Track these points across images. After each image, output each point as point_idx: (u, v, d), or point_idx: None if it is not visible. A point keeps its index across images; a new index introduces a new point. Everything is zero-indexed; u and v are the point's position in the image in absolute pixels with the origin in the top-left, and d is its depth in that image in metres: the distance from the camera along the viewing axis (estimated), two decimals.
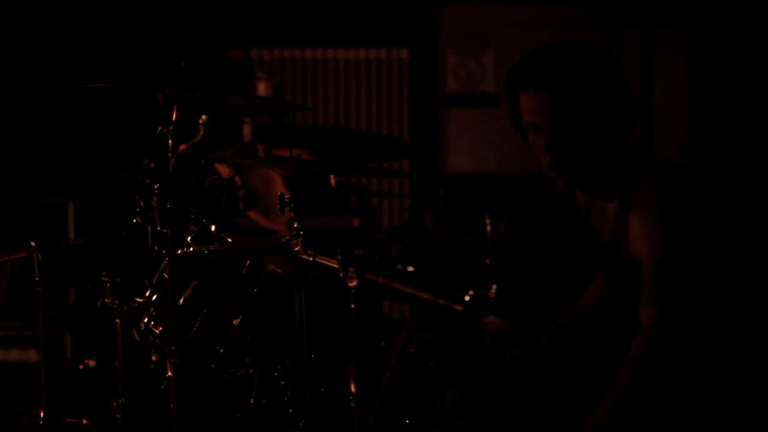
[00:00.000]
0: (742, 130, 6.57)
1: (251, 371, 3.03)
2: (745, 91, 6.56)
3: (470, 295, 4.48)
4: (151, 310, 3.01)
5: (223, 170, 3.35)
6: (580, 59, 2.59)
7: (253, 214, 3.47)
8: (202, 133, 3.30)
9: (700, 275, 2.51)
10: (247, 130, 5.29)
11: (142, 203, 3.08)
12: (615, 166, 2.62)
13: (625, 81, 2.61)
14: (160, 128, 2.87)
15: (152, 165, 3.14)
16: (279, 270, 3.09)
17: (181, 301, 2.99)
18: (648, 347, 2.43)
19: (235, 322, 3.00)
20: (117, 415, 3.03)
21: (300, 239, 2.71)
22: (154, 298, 3.01)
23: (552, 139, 2.57)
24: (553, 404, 2.73)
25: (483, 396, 2.77)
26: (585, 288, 2.98)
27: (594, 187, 2.67)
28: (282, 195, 2.77)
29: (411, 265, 4.55)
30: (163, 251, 3.00)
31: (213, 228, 3.06)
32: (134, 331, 3.04)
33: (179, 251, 2.99)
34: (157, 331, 3.00)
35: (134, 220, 3.12)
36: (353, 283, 2.37)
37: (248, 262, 3.03)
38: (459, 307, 2.33)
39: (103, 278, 3.03)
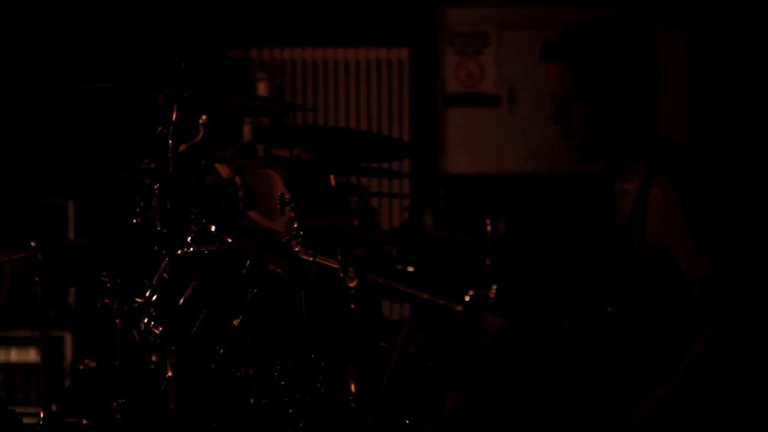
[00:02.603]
0: (743, 130, 6.57)
1: (251, 371, 3.04)
2: (746, 91, 6.56)
3: (470, 295, 4.47)
4: (151, 310, 3.01)
5: (223, 170, 3.35)
6: (600, 36, 2.62)
7: (253, 214, 3.46)
8: (202, 133, 3.30)
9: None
10: (247, 130, 5.29)
11: (142, 203, 3.08)
12: (638, 146, 2.63)
13: (649, 64, 2.62)
14: (160, 128, 2.87)
15: (152, 165, 3.14)
16: (279, 270, 3.09)
17: (181, 301, 2.99)
18: (715, 326, 2.40)
19: (235, 322, 3.00)
20: (117, 415, 3.03)
21: (300, 239, 2.71)
22: (154, 298, 3.01)
23: (560, 110, 2.64)
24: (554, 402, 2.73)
25: (483, 396, 2.77)
26: (585, 287, 2.97)
27: (615, 166, 2.69)
28: (282, 195, 2.77)
29: (411, 265, 4.55)
30: (163, 251, 3.00)
31: (213, 228, 3.06)
32: (134, 331, 3.04)
33: (179, 251, 2.99)
34: (157, 331, 3.00)
35: (134, 220, 3.12)
36: (353, 283, 2.37)
37: (248, 262, 3.03)
38: (459, 307, 2.33)
39: (103, 278, 3.03)
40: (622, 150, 2.65)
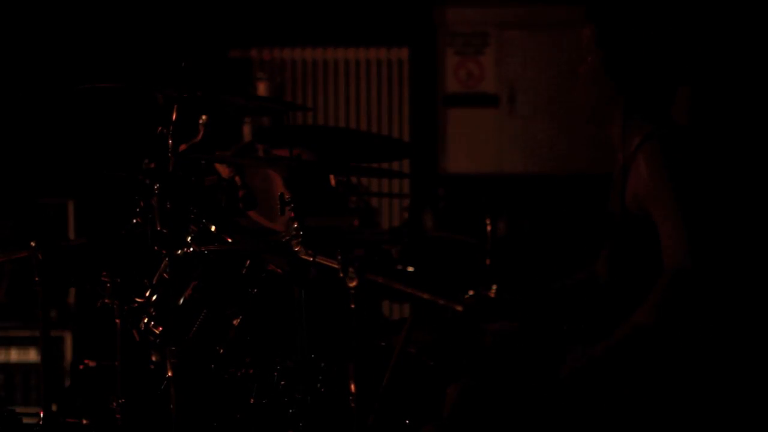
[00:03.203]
0: (744, 130, 6.56)
1: (251, 371, 3.04)
2: (747, 92, 6.56)
3: (470, 295, 4.47)
4: (151, 310, 3.01)
5: (223, 170, 3.35)
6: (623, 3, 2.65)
7: (253, 214, 3.46)
8: (202, 133, 3.30)
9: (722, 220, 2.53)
10: (247, 130, 5.29)
11: (142, 203, 3.08)
12: (640, 119, 2.65)
13: (667, 42, 2.65)
14: (160, 128, 2.87)
15: (152, 165, 3.14)
16: (279, 270, 3.09)
17: (181, 301, 2.99)
18: (670, 288, 2.44)
19: (235, 322, 3.00)
20: (117, 415, 3.03)
21: (300, 239, 2.71)
22: (154, 298, 3.01)
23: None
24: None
25: (483, 395, 2.78)
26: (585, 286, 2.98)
27: (614, 135, 2.72)
28: (282, 195, 2.76)
29: (411, 265, 4.55)
30: (163, 251, 3.00)
31: (213, 228, 3.06)
32: (134, 331, 3.04)
33: (179, 251, 2.99)
34: (157, 331, 3.00)
35: (134, 220, 3.12)
36: (353, 283, 2.37)
37: (248, 262, 3.03)
38: (459, 307, 2.33)
39: (103, 278, 3.03)
40: (615, 123, 2.68)
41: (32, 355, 5.16)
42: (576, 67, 2.75)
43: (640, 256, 2.62)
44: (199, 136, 3.25)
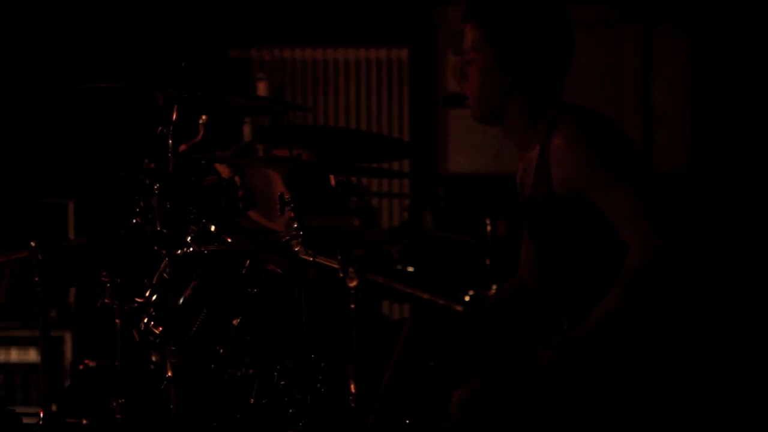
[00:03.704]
0: (744, 130, 6.56)
1: (251, 371, 3.03)
2: (747, 92, 6.55)
3: (470, 295, 4.48)
4: (151, 310, 3.01)
5: (223, 170, 3.35)
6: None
7: (253, 214, 3.46)
8: (202, 133, 3.30)
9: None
10: (247, 130, 5.29)
11: (142, 203, 3.08)
12: (534, 114, 2.66)
13: (550, 34, 2.66)
14: (160, 128, 2.87)
15: (152, 165, 3.14)
16: (279, 270, 3.09)
17: (181, 301, 2.99)
18: (646, 269, 2.43)
19: (235, 322, 3.00)
20: (117, 415, 3.03)
21: (300, 239, 2.71)
22: (154, 298, 3.01)
23: (461, 68, 2.71)
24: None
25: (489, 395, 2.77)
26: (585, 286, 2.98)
27: (516, 133, 2.73)
28: (282, 195, 2.76)
29: (411, 265, 4.55)
30: (163, 251, 3.00)
31: (213, 228, 3.06)
32: (134, 331, 3.04)
33: (179, 251, 2.99)
34: (157, 331, 3.00)
35: (134, 220, 3.12)
36: (353, 283, 2.37)
37: (248, 262, 3.03)
38: (459, 307, 2.33)
39: (103, 278, 3.02)
40: (513, 115, 2.67)
41: (32, 355, 5.17)
42: (462, 70, 2.73)
43: (579, 240, 2.60)
44: (199, 136, 3.25)
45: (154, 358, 3.36)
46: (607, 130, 2.59)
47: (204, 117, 3.27)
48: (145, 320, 3.01)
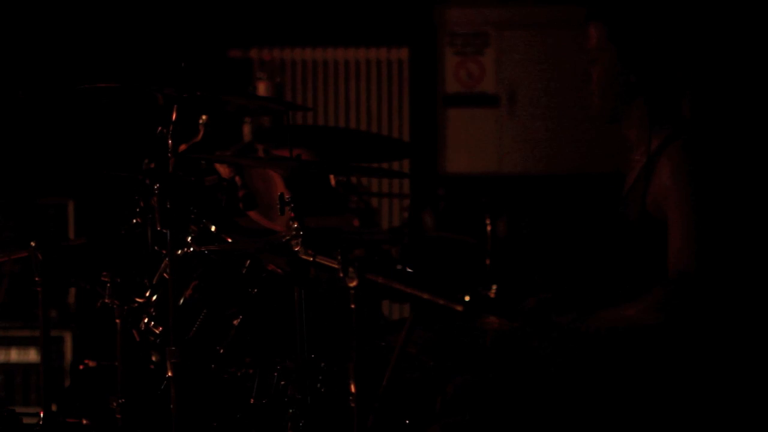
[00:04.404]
0: (744, 130, 6.56)
1: (251, 371, 3.03)
2: (747, 92, 6.56)
3: (470, 295, 4.47)
4: (151, 310, 3.01)
5: (223, 170, 3.35)
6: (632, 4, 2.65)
7: (253, 214, 3.46)
8: (202, 133, 3.30)
9: (731, 232, 2.55)
10: (247, 130, 5.29)
11: (142, 203, 3.08)
12: (653, 119, 2.66)
13: (675, 42, 2.65)
14: (160, 128, 2.86)
15: (152, 165, 3.14)
16: (279, 270, 3.09)
17: (181, 301, 2.99)
18: (674, 290, 2.45)
19: (235, 322, 2.99)
20: (117, 415, 3.03)
21: (300, 239, 2.71)
22: (154, 298, 3.01)
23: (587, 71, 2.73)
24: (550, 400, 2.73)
25: (481, 391, 2.78)
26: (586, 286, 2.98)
27: (631, 134, 2.72)
28: (282, 195, 2.76)
29: (411, 265, 4.54)
30: (163, 251, 3.00)
31: (213, 228, 3.05)
32: (134, 331, 3.04)
33: (179, 251, 2.99)
34: (157, 331, 3.00)
35: (134, 220, 3.12)
36: (353, 283, 2.37)
37: (248, 262, 3.03)
38: (459, 307, 2.33)
39: (103, 278, 3.02)
40: (633, 117, 2.68)
41: (32, 355, 5.16)
42: (586, 69, 2.74)
43: (652, 259, 2.62)
44: (199, 136, 3.25)
45: (154, 358, 3.36)
46: (712, 164, 2.60)
47: (204, 117, 3.27)
48: (145, 320, 3.01)
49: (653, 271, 2.60)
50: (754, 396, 2.60)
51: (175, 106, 2.85)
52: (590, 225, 2.91)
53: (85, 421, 3.17)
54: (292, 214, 2.74)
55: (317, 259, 2.68)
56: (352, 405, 2.38)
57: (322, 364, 2.94)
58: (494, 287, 4.44)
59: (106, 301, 3.02)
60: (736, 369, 2.59)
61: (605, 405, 2.58)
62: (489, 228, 4.64)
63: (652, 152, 2.65)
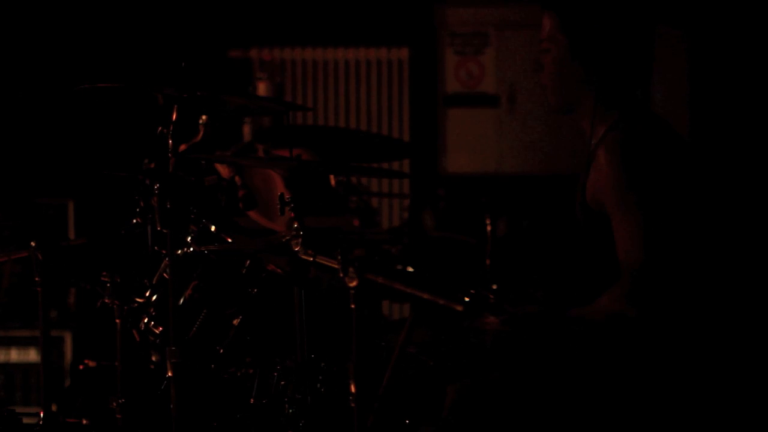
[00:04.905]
0: (744, 130, 6.56)
1: (251, 371, 3.04)
2: (747, 92, 6.56)
3: (470, 295, 4.47)
4: (151, 310, 3.01)
5: (223, 170, 3.35)
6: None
7: (253, 214, 3.46)
8: (202, 133, 3.30)
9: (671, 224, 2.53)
10: (247, 130, 5.29)
11: (142, 203, 3.08)
12: (602, 111, 2.65)
13: (626, 34, 2.65)
14: (160, 128, 2.86)
15: (152, 165, 3.14)
16: (279, 270, 3.09)
17: (181, 301, 2.99)
18: (628, 285, 2.45)
19: (235, 322, 3.00)
20: (117, 415, 3.03)
21: (300, 239, 2.71)
22: (154, 298, 3.01)
23: (538, 59, 2.72)
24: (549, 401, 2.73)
25: (482, 392, 2.78)
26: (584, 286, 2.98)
27: (584, 125, 2.73)
28: (282, 195, 2.76)
29: (411, 265, 4.55)
30: (163, 251, 3.00)
31: (213, 228, 3.06)
32: (134, 331, 3.04)
33: (179, 251, 2.99)
34: (157, 331, 3.00)
35: (134, 220, 3.12)
36: (353, 283, 2.37)
37: (248, 262, 3.03)
38: (459, 307, 2.33)
39: (103, 278, 3.03)
40: (582, 109, 2.67)
41: (32, 355, 5.16)
42: (537, 59, 2.75)
43: (601, 252, 2.62)
44: (199, 136, 3.25)
45: (154, 358, 3.36)
46: (649, 152, 2.58)
47: (204, 117, 3.27)
48: (145, 320, 3.01)
49: (608, 267, 2.60)
50: (731, 386, 2.60)
51: (175, 106, 2.85)
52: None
53: (85, 421, 3.17)
54: (292, 214, 2.74)
55: (317, 259, 2.68)
56: (352, 405, 2.38)
57: (322, 364, 2.94)
58: (494, 287, 4.44)
59: (106, 301, 3.02)
60: (711, 363, 2.58)
61: (605, 405, 2.58)
62: (489, 228, 4.64)
63: (595, 143, 2.65)
